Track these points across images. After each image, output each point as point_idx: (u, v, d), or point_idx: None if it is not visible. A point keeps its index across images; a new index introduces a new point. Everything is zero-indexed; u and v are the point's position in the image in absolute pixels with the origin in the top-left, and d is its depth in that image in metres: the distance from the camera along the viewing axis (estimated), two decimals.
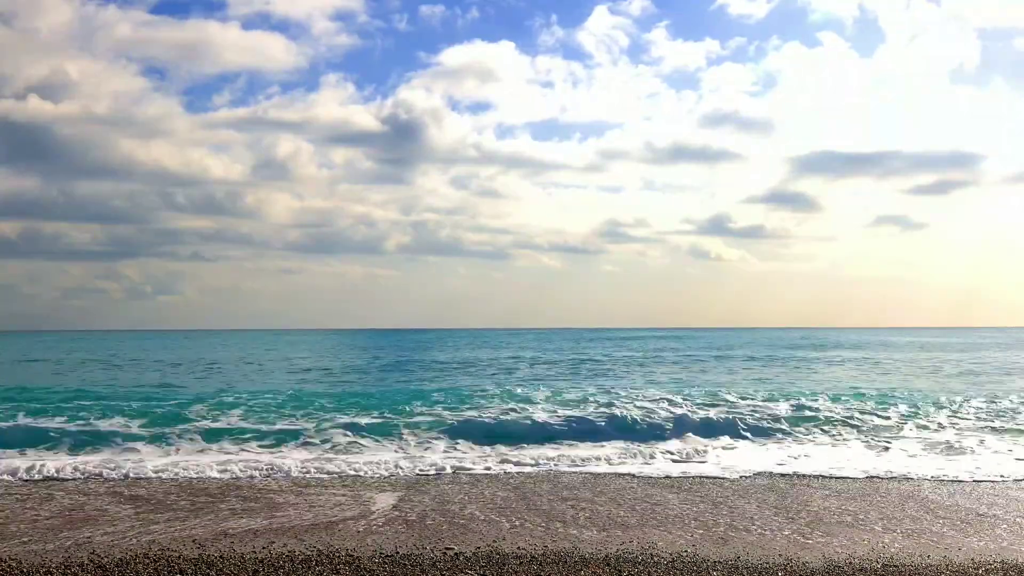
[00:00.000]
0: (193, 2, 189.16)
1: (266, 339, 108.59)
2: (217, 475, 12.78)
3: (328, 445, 15.74)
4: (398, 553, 8.22)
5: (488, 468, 13.58)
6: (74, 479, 12.43)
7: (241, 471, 13.02)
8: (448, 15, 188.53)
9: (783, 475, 12.94)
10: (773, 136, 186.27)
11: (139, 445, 15.46)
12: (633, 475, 12.95)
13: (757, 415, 18.92)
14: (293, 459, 14.07)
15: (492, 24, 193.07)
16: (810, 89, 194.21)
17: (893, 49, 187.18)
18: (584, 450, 15.52)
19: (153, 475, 12.72)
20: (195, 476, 12.69)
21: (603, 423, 17.87)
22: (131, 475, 12.70)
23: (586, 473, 13.17)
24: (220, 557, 8.02)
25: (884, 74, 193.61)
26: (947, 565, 7.88)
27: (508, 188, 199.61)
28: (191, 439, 15.98)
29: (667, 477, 12.75)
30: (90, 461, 13.75)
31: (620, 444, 16.05)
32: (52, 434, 15.96)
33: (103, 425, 16.92)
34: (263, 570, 7.58)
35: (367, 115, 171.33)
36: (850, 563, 7.98)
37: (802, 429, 17.79)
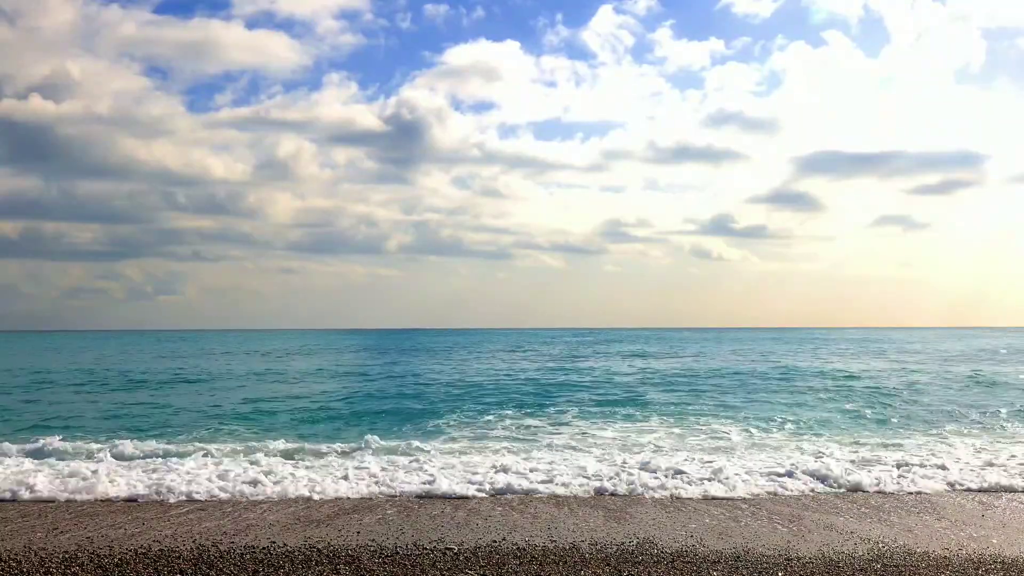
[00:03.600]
0: (197, 1, 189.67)
1: (273, 340, 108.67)
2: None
3: None
4: (398, 553, 8.22)
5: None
6: None
7: None
8: (452, 14, 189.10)
9: None
10: (777, 136, 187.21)
11: None
12: None
13: None
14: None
15: (497, 23, 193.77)
16: (815, 89, 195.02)
17: (898, 49, 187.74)
18: None
19: None
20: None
21: None
22: None
23: None
24: (220, 556, 8.04)
25: (889, 74, 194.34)
26: (947, 565, 7.88)
27: (510, 188, 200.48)
28: None
29: None
30: None
31: None
32: None
33: None
34: (263, 570, 7.59)
35: (370, 115, 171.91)
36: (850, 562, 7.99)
37: None
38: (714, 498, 11.07)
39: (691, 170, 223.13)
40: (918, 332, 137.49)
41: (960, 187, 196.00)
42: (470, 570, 7.66)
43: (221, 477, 12.03)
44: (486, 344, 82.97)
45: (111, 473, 12.22)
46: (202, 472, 12.44)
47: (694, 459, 13.86)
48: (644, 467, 12.93)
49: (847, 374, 35.56)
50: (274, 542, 8.63)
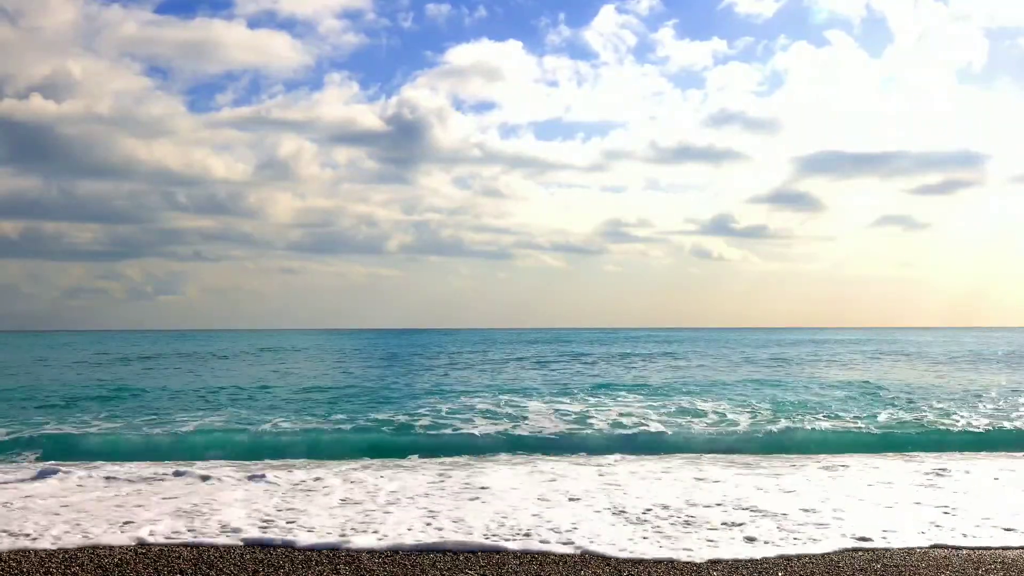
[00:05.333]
0: (199, 1, 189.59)
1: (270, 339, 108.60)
2: None
3: None
4: (399, 552, 8.22)
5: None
6: None
7: None
8: (455, 14, 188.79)
9: None
10: (779, 136, 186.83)
11: None
12: None
13: None
14: None
15: (500, 23, 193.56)
16: (817, 89, 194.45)
17: (901, 49, 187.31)
18: None
19: None
20: None
21: None
22: None
23: None
24: (220, 557, 8.04)
25: (891, 74, 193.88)
26: (947, 565, 7.87)
27: (511, 188, 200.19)
28: None
29: None
30: None
31: None
32: None
33: None
34: (263, 570, 7.59)
35: (371, 114, 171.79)
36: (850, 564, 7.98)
37: None
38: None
39: (692, 170, 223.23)
40: (921, 332, 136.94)
41: (961, 187, 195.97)
42: (470, 570, 7.65)
43: None
44: (497, 345, 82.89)
45: None
46: None
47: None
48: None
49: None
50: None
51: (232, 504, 10.36)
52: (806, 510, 10.12)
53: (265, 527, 9.19)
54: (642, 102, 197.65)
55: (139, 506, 10.29)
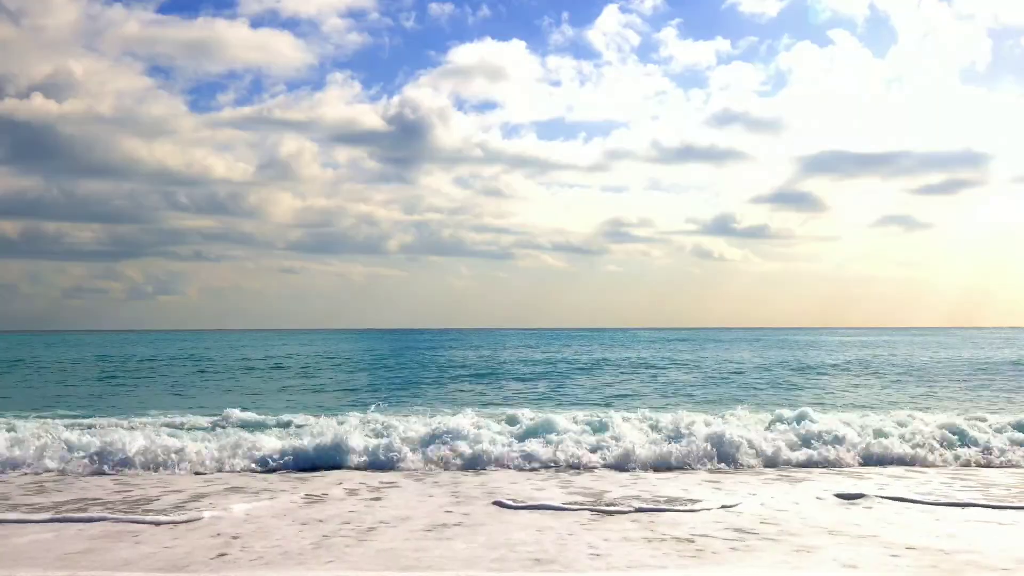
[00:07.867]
0: (201, 1, 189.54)
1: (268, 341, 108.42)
2: None
3: None
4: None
5: None
6: None
7: None
8: (458, 13, 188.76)
9: None
10: (782, 135, 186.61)
11: None
12: None
13: None
14: None
15: (503, 22, 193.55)
16: (821, 88, 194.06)
17: (904, 48, 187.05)
18: None
19: None
20: None
21: None
22: None
23: None
24: None
25: (895, 73, 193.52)
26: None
27: (512, 187, 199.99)
28: None
29: None
30: None
31: None
32: None
33: None
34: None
35: (373, 114, 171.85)
36: None
37: None
38: None
39: (694, 170, 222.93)
40: (929, 333, 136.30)
41: (964, 187, 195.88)
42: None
43: None
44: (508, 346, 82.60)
45: None
46: None
47: None
48: None
49: None
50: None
51: None
52: None
53: None
54: (645, 102, 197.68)
55: None
